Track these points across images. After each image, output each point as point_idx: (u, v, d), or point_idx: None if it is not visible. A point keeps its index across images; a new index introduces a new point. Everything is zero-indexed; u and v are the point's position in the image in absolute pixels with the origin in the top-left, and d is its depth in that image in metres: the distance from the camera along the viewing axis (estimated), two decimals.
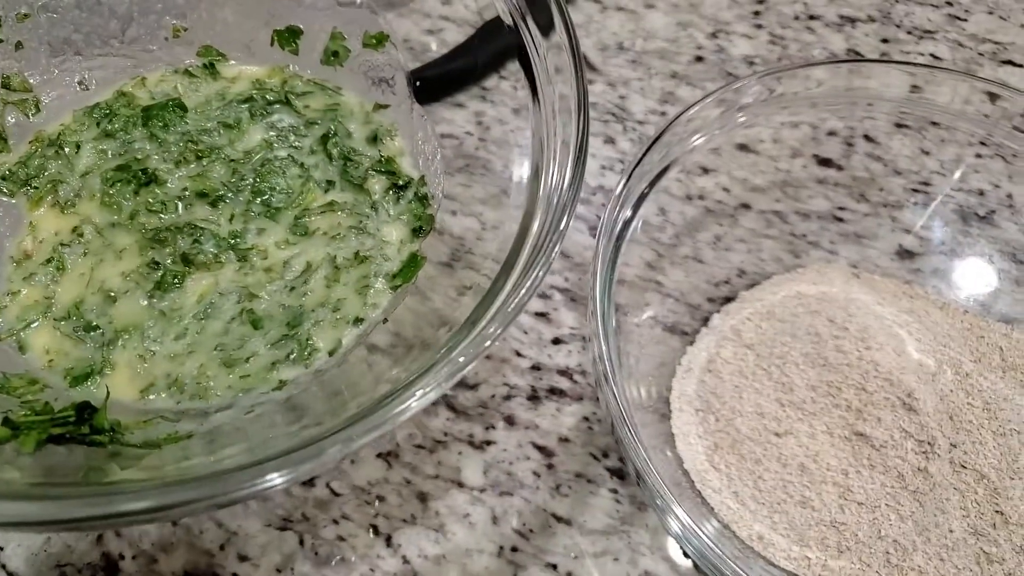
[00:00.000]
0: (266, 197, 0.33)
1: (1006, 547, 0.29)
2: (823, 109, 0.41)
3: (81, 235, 0.31)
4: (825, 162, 0.42)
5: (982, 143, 0.39)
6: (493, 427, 0.34)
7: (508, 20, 0.31)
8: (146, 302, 0.30)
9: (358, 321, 0.31)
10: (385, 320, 0.31)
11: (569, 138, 0.25)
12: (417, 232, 0.33)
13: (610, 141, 0.44)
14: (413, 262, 0.33)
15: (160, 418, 0.26)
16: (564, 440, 0.34)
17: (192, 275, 0.31)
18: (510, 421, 0.35)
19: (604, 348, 0.28)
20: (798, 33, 0.47)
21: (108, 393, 0.26)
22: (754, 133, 0.42)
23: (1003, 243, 0.39)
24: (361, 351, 0.30)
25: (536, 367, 0.36)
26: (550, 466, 0.34)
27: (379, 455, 0.33)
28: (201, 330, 0.30)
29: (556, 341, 0.37)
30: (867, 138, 0.42)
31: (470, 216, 0.40)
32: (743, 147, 0.41)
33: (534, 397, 0.35)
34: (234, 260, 0.32)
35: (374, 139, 0.35)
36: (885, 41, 0.48)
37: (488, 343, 0.22)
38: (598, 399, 0.35)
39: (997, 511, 0.30)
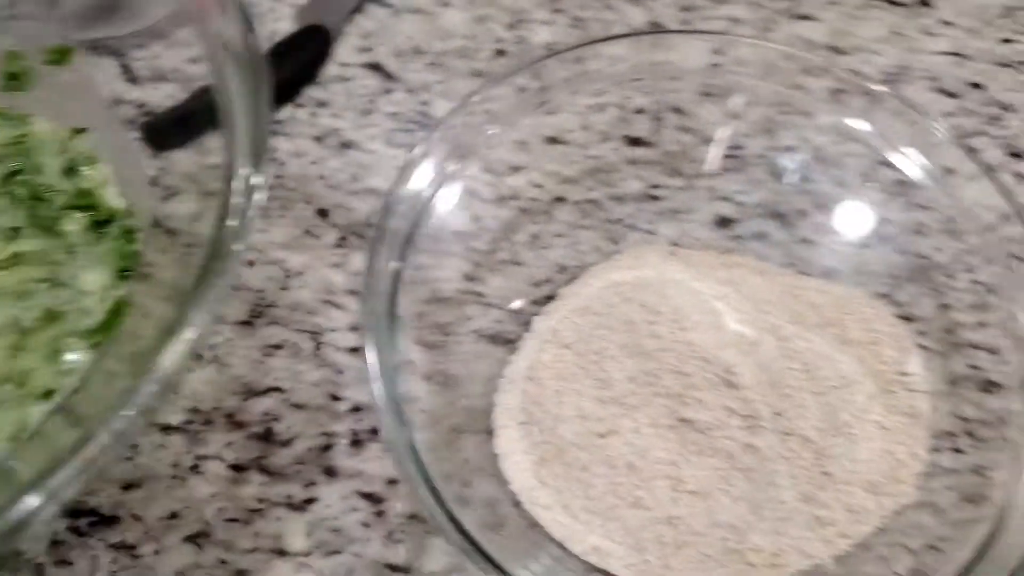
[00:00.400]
0: None
1: (836, 507, 0.29)
2: (628, 87, 0.40)
3: None
4: (635, 141, 0.41)
5: (785, 103, 0.39)
6: (314, 483, 0.32)
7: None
8: None
9: (48, 395, 0.27)
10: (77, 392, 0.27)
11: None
12: (123, 274, 0.30)
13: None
14: (117, 312, 0.29)
15: None
16: (392, 482, 0.32)
17: None
18: (331, 473, 0.32)
19: (383, 394, 0.26)
20: (598, 12, 0.46)
21: None
22: (561, 123, 0.40)
23: (815, 195, 0.39)
24: (59, 425, 0.26)
25: (356, 408, 0.34)
26: (379, 513, 0.31)
27: (186, 538, 0.30)
28: None
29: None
30: (675, 110, 0.41)
31: (270, 264, 0.37)
32: (552, 139, 0.40)
33: (356, 442, 0.33)
34: None
35: (71, 170, 0.31)
36: (685, 9, 0.47)
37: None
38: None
39: (824, 472, 0.29)
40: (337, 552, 0.30)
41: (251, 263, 0.37)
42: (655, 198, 0.39)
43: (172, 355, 0.19)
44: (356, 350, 0.35)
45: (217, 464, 0.32)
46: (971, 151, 0.41)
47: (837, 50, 0.46)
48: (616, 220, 0.38)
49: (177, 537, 0.30)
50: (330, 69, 0.42)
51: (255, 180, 0.21)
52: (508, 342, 0.35)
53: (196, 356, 0.28)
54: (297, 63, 0.41)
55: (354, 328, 0.36)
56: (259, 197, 0.20)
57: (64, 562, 0.30)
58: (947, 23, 0.47)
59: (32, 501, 0.18)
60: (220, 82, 0.24)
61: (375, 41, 0.44)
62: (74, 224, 0.30)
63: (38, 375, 0.27)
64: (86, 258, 0.29)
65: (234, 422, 0.33)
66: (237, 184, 0.21)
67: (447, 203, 0.36)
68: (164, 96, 0.35)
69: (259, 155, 0.21)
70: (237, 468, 0.32)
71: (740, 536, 0.28)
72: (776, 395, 0.30)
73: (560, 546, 0.29)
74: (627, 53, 0.38)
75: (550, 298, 0.36)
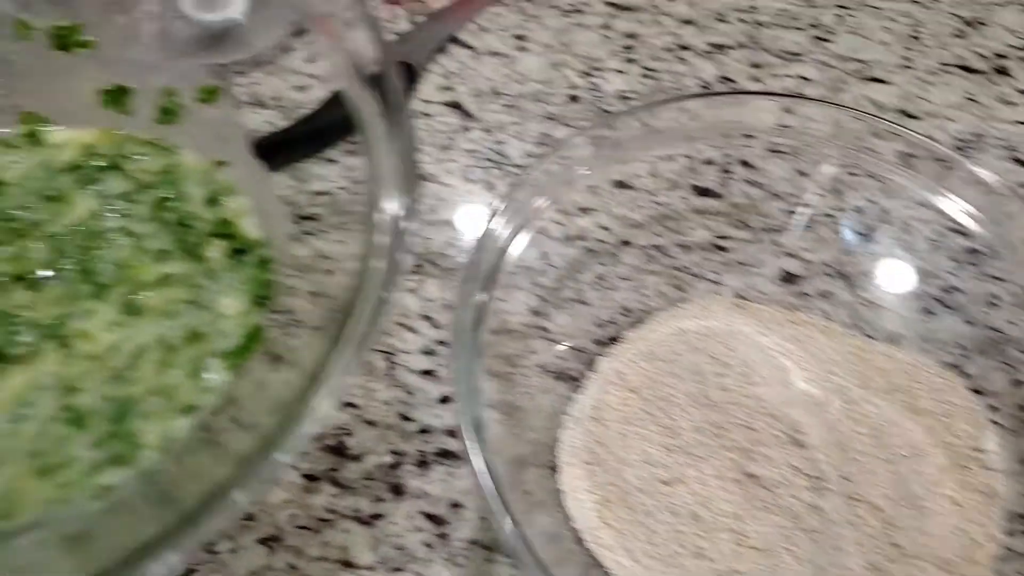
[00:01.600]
0: (93, 275, 0.30)
1: None
2: (698, 141, 0.40)
3: None
4: (703, 192, 0.42)
5: (854, 164, 0.39)
6: (381, 499, 0.33)
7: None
8: None
9: (190, 409, 0.29)
10: (222, 410, 0.28)
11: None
12: (259, 301, 0.31)
13: (490, 187, 0.43)
14: (254, 336, 0.30)
15: None
16: (456, 506, 0.33)
17: (5, 372, 0.28)
18: (398, 491, 0.33)
19: (467, 419, 0.27)
20: (670, 64, 0.48)
21: None
22: (630, 169, 0.41)
23: (883, 258, 0.39)
24: (197, 442, 0.27)
25: (424, 430, 0.35)
26: (443, 536, 0.32)
27: (261, 540, 0.31)
28: (14, 435, 0.27)
29: (444, 400, 0.36)
30: (744, 164, 0.42)
31: (348, 275, 0.38)
32: (621, 184, 0.41)
33: (423, 463, 0.34)
34: (55, 349, 0.29)
35: (213, 200, 0.33)
36: (755, 66, 0.48)
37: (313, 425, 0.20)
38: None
39: (893, 544, 0.29)
40: (400, 570, 0.31)
41: (331, 272, 0.38)
42: (721, 248, 0.40)
43: (320, 404, 0.20)
44: (428, 372, 0.36)
45: (291, 472, 0.33)
46: None
47: (908, 114, 0.47)
48: (682, 267, 0.39)
49: (251, 538, 0.31)
50: (414, 104, 0.44)
51: (402, 217, 0.21)
52: (571, 379, 0.36)
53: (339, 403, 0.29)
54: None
55: (426, 351, 0.37)
56: (409, 241, 0.20)
57: None
58: None
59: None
60: (352, 105, 0.26)
61: (456, 80, 0.45)
62: (215, 251, 0.31)
63: (182, 390, 0.28)
64: (225, 283, 0.31)
65: None
66: (381, 220, 0.21)
67: (520, 240, 0.38)
68: (262, 122, 0.37)
69: (410, 187, 0.21)
70: (310, 478, 0.33)
71: None
72: (843, 458, 0.30)
73: None
74: (699, 109, 0.39)
75: (613, 339, 0.37)
